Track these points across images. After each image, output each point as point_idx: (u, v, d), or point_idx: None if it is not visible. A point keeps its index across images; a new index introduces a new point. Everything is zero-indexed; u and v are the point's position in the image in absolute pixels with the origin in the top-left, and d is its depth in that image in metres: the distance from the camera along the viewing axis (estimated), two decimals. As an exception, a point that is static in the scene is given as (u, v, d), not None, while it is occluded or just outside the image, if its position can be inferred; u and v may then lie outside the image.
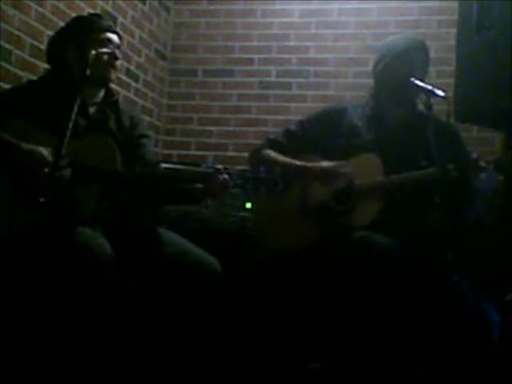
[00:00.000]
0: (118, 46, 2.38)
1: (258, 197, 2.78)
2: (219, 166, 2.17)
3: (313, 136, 2.66)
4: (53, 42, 2.42)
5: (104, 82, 2.37)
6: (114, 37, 2.37)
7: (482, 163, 2.26)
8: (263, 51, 4.19)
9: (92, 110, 2.36)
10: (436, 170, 2.22)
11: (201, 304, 2.20)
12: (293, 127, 2.72)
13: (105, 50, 2.30)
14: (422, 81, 2.34)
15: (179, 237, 2.32)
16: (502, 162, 2.23)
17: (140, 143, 2.43)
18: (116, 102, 2.44)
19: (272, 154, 2.64)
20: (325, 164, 2.49)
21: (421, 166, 2.37)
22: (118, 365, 2.14)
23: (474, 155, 2.34)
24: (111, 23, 2.44)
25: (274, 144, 2.69)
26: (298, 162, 2.56)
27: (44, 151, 2.08)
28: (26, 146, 2.08)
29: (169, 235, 2.31)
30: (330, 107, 2.77)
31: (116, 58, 2.34)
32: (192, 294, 2.18)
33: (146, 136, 2.50)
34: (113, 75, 2.36)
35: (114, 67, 2.35)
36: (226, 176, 2.14)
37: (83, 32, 2.33)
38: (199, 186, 2.21)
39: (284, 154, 2.64)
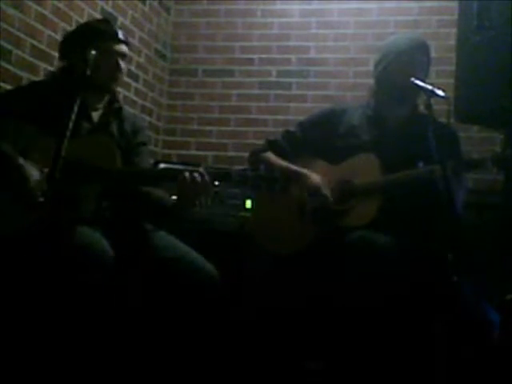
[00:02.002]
0: (124, 56, 2.36)
1: (257, 197, 2.78)
2: (200, 169, 2.15)
3: (313, 137, 2.66)
4: (63, 42, 2.41)
5: (105, 90, 2.37)
6: (122, 47, 2.35)
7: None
8: (263, 51, 4.19)
9: (95, 114, 2.36)
10: (431, 168, 2.23)
11: (196, 309, 2.20)
12: (293, 128, 2.72)
13: (115, 62, 2.30)
14: (422, 81, 2.33)
15: (178, 241, 2.31)
16: (500, 158, 2.23)
17: (137, 151, 2.43)
18: (120, 109, 2.44)
19: (271, 157, 2.64)
20: (314, 177, 2.49)
21: (419, 166, 2.37)
22: (116, 366, 2.14)
23: (473, 156, 2.35)
24: (120, 32, 2.39)
25: (273, 145, 2.69)
26: (294, 168, 2.55)
27: (33, 177, 2.06)
28: (20, 162, 2.07)
29: (167, 239, 2.31)
30: (329, 108, 2.77)
31: (119, 70, 2.33)
32: (188, 299, 2.18)
33: (144, 144, 2.49)
34: (114, 86, 2.37)
35: (117, 78, 2.35)
36: (200, 172, 2.11)
37: (92, 40, 2.28)
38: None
39: (284, 155, 2.64)
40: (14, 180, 2.05)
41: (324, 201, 2.47)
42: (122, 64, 2.35)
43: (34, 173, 2.07)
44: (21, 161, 2.08)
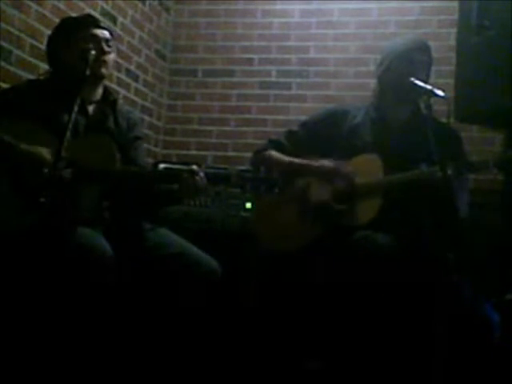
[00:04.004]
0: (107, 41, 2.35)
1: (258, 197, 2.78)
2: (194, 167, 2.16)
3: (315, 137, 2.66)
4: (47, 47, 2.43)
5: (96, 79, 2.35)
6: (99, 31, 2.35)
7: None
8: (263, 51, 4.19)
9: (91, 108, 2.36)
10: (433, 168, 2.23)
11: (199, 304, 2.20)
12: (295, 128, 2.72)
13: (90, 46, 2.29)
14: (424, 81, 2.33)
15: (179, 238, 2.31)
16: (500, 159, 2.23)
17: (133, 146, 2.43)
18: (114, 102, 2.44)
19: (274, 154, 2.65)
20: (325, 163, 2.50)
21: (422, 167, 2.37)
22: (118, 365, 2.14)
23: (473, 157, 2.35)
24: (98, 20, 2.43)
25: (275, 145, 2.69)
26: (298, 161, 2.56)
27: (44, 152, 2.07)
28: (25, 146, 2.08)
29: (169, 236, 2.31)
30: (332, 108, 2.77)
31: (104, 53, 2.33)
32: (191, 295, 2.18)
33: (140, 138, 2.49)
34: (104, 70, 2.34)
35: (102, 62, 2.33)
36: (200, 176, 2.13)
37: (67, 32, 2.34)
38: (176, 186, 2.21)
39: (286, 154, 2.64)
40: (22, 161, 2.06)
41: (348, 179, 2.47)
42: (108, 48, 2.35)
43: (43, 150, 2.08)
44: (25, 146, 2.08)
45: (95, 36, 2.32)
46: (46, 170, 2.03)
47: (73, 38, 2.31)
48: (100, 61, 2.31)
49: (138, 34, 3.91)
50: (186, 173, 2.14)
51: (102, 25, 2.39)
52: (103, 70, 2.34)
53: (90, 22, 2.37)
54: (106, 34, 2.36)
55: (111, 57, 2.37)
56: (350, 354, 2.28)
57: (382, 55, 2.60)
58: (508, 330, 2.23)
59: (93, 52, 2.23)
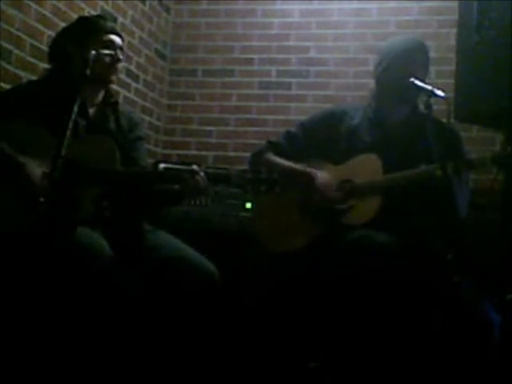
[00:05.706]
0: (121, 48, 2.38)
1: (257, 197, 2.78)
2: (194, 167, 2.17)
3: (314, 138, 2.66)
4: (56, 41, 2.42)
5: (104, 83, 2.37)
6: (117, 39, 2.37)
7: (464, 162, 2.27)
8: (263, 51, 4.19)
9: (92, 110, 2.36)
10: (432, 167, 2.23)
11: (197, 308, 2.20)
12: (293, 129, 2.72)
13: (107, 51, 2.29)
14: (422, 81, 2.34)
15: (178, 241, 2.31)
16: (500, 157, 2.23)
17: (134, 147, 2.43)
18: (116, 103, 2.44)
19: (272, 157, 2.65)
20: (310, 170, 2.49)
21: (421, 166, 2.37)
22: (117, 366, 2.14)
23: (473, 156, 2.35)
24: (114, 25, 2.45)
25: (274, 146, 2.69)
26: (297, 167, 2.56)
27: (35, 172, 2.07)
28: (21, 159, 2.08)
29: (168, 238, 2.31)
30: (330, 109, 2.77)
31: (118, 60, 2.34)
32: (189, 298, 2.18)
33: (141, 138, 2.49)
34: (113, 77, 2.37)
35: (115, 69, 2.35)
36: (201, 176, 2.13)
37: (86, 33, 2.33)
38: (176, 186, 2.21)
39: (285, 156, 2.64)
40: (16, 178, 2.06)
41: (324, 202, 2.47)
42: (121, 56, 2.36)
43: (36, 170, 2.08)
44: (21, 159, 2.09)
45: (113, 42, 2.34)
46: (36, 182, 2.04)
47: (89, 40, 2.30)
48: (114, 68, 2.33)
49: (137, 34, 3.92)
50: (187, 173, 2.14)
51: (116, 31, 2.40)
52: (113, 77, 2.36)
53: (109, 28, 2.38)
54: (120, 41, 2.38)
55: (121, 64, 2.40)
56: (350, 354, 2.28)
57: (380, 55, 2.60)
58: (508, 330, 2.23)
59: (93, 52, 2.23)
